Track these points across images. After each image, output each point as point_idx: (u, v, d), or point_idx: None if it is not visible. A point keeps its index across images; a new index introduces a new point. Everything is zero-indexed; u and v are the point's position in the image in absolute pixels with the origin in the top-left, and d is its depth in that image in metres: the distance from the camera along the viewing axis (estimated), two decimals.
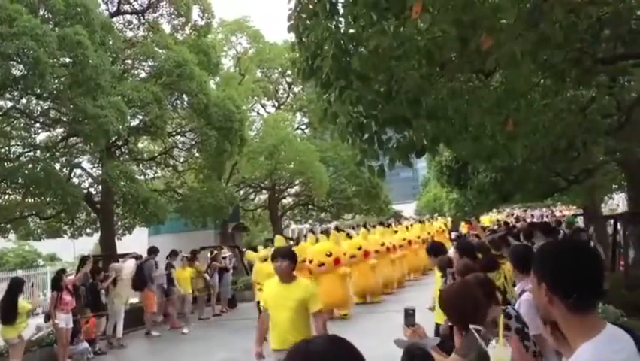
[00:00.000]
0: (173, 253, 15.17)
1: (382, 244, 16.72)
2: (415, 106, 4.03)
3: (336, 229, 19.89)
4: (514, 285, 5.34)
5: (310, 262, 13.80)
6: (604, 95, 7.32)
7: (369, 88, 3.98)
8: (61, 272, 11.73)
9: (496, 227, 23.18)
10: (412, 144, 4.44)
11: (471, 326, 2.68)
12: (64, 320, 10.60)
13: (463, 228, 28.77)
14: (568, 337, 1.92)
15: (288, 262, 5.23)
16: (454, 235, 27.92)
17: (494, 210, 34.41)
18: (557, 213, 38.58)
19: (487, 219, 32.87)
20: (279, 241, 13.76)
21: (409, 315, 3.59)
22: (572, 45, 5.06)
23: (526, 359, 2.98)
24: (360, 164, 4.70)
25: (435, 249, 7.37)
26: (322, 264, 13.58)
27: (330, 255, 13.63)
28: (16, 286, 9.94)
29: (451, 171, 15.95)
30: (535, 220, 30.66)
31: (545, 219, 33.37)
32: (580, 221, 22.36)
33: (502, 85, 5.54)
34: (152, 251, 14.79)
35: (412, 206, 64.83)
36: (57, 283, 10.99)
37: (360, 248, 15.26)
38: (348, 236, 16.66)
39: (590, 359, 1.77)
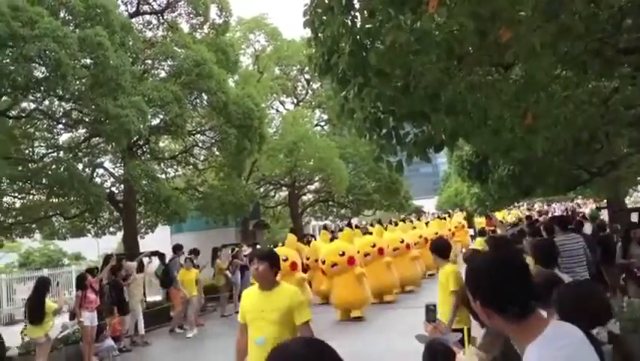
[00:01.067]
0: (195, 252, 15.26)
1: (402, 241, 16.32)
2: (434, 100, 4.00)
3: (349, 225, 19.77)
4: None
5: (323, 262, 13.45)
6: (627, 85, 7.19)
7: (387, 84, 3.95)
8: (87, 272, 11.86)
9: (517, 221, 23.00)
10: (430, 138, 4.40)
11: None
12: (89, 318, 10.75)
13: (481, 223, 28.56)
14: (515, 343, 1.98)
15: (266, 264, 4.36)
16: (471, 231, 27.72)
17: (515, 203, 34.10)
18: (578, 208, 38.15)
19: (501, 214, 32.60)
20: (291, 240, 13.59)
21: (430, 311, 3.59)
22: (592, 36, 4.98)
23: None
24: (378, 160, 4.66)
25: (440, 247, 6.48)
26: (335, 264, 13.13)
27: (342, 254, 13.14)
28: (42, 286, 10.07)
29: (472, 166, 15.83)
30: (557, 215, 30.34)
31: (570, 213, 32.98)
32: (604, 214, 22.05)
33: (522, 78, 5.47)
34: (177, 248, 14.94)
35: (432, 201, 64.58)
36: (82, 282, 11.14)
37: (374, 245, 14.75)
38: (367, 233, 16.52)
39: (537, 358, 1.81)
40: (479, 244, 13.73)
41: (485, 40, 3.78)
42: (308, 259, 15.24)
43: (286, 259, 12.66)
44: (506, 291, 1.88)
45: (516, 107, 4.83)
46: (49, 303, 9.92)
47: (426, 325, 3.61)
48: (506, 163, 12.77)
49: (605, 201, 23.19)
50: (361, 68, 3.81)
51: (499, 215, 31.69)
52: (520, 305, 1.88)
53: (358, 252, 14.02)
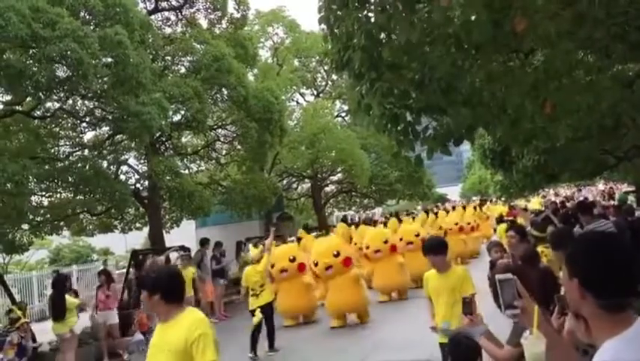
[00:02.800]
0: (218, 245, 15.39)
1: (417, 235, 14.92)
2: (450, 93, 3.95)
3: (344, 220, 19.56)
4: None
5: (367, 248, 13.85)
6: None
7: (400, 78, 3.92)
8: (102, 273, 11.87)
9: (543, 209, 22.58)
10: (448, 132, 4.36)
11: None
12: (101, 316, 10.90)
13: (501, 211, 28.07)
14: (595, 334, 1.82)
15: (145, 293, 3.41)
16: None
17: (541, 191, 33.57)
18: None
19: (521, 202, 31.94)
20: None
21: (466, 303, 3.56)
22: (614, 20, 4.87)
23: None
24: (397, 155, 4.63)
25: (434, 246, 5.40)
26: (330, 267, 11.61)
27: (337, 254, 11.64)
28: (61, 283, 10.22)
29: (495, 154, 15.68)
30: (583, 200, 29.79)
31: (598, 198, 32.33)
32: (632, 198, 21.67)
33: (543, 64, 5.38)
34: (204, 242, 15.15)
35: (456, 189, 64.24)
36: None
37: (386, 242, 13.85)
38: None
39: (612, 358, 1.65)
40: (502, 232, 13.55)
41: (500, 30, 3.72)
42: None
43: (293, 260, 12.13)
44: (609, 277, 1.72)
45: (535, 95, 4.75)
46: (70, 299, 10.07)
47: (463, 317, 3.60)
48: (530, 153, 12.59)
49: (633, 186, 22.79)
50: (374, 63, 3.79)
51: (520, 203, 31.20)
52: (620, 296, 1.73)
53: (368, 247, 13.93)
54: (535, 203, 32.12)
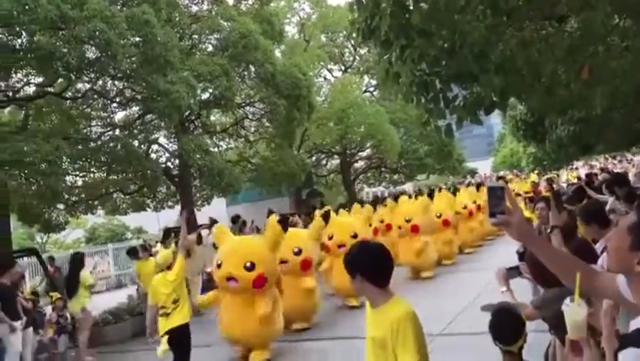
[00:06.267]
0: (243, 224, 15.34)
1: (465, 207, 14.65)
2: (482, 60, 3.84)
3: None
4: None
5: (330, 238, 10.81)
6: None
7: (431, 44, 3.82)
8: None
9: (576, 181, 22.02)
10: (479, 100, 4.24)
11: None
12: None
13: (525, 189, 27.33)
14: (637, 298, 1.78)
15: None
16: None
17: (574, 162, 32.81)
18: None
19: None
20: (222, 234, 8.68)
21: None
22: None
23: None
24: (426, 124, 4.54)
25: (347, 260, 3.01)
26: (232, 278, 7.66)
27: (355, 236, 9.75)
28: (77, 261, 10.29)
29: (527, 125, 15.36)
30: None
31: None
32: None
33: (578, 30, 5.20)
34: (236, 219, 15.20)
35: (487, 163, 63.35)
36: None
37: (355, 236, 10.28)
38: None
39: None
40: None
41: None
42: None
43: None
44: None
45: (571, 61, 4.60)
46: (86, 276, 10.04)
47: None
48: (565, 123, 12.27)
49: None
50: (403, 29, 3.69)
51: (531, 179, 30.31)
52: None
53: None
54: (571, 176, 31.39)
